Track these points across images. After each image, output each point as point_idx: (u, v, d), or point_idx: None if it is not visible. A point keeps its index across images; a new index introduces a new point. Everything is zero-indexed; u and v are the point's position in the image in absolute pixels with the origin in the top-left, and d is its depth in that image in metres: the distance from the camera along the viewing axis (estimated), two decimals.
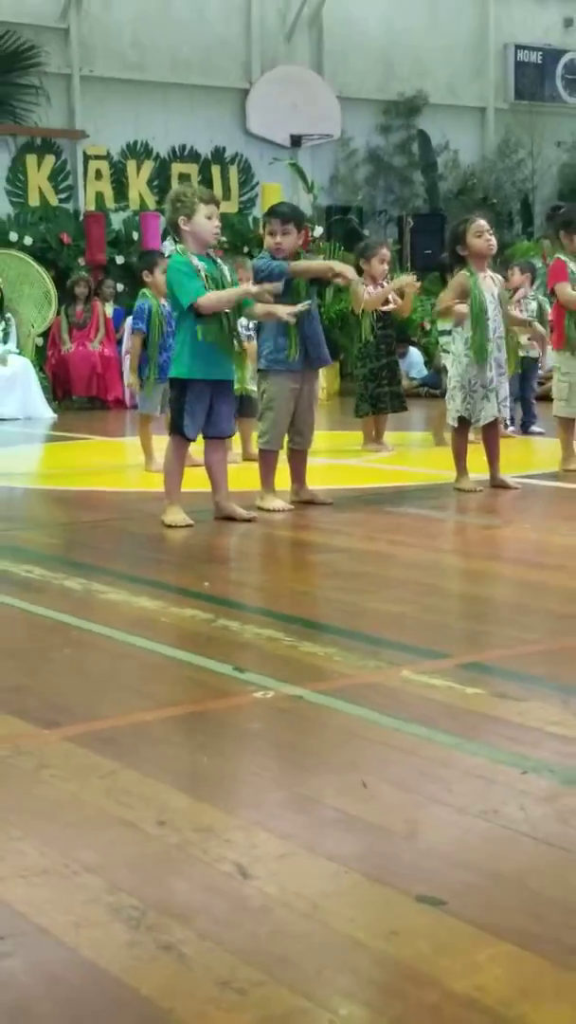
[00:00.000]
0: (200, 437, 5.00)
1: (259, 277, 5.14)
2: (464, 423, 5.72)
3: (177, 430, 4.88)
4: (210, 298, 4.72)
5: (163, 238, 13.09)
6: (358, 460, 7.28)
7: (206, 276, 4.77)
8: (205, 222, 4.80)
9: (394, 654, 3.00)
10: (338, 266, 5.46)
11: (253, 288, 4.88)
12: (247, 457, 7.25)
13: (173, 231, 5.02)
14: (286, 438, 5.37)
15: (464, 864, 1.84)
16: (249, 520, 4.92)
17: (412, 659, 2.94)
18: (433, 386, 11.02)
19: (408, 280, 7.62)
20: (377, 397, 7.60)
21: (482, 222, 5.69)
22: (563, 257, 6.30)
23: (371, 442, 7.68)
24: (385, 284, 7.65)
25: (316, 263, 5.68)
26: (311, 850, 1.89)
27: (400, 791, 2.12)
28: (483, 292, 5.59)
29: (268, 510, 5.18)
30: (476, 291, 5.57)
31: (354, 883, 1.78)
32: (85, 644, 3.19)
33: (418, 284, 7.73)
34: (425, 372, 12.57)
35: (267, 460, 5.33)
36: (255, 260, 5.48)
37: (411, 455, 7.88)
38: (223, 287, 4.81)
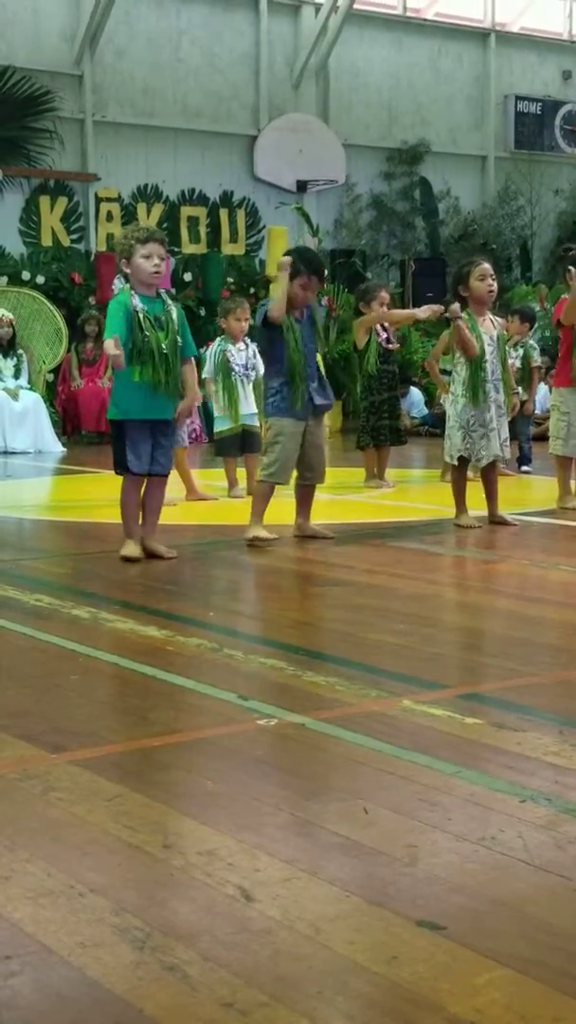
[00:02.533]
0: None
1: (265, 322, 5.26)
2: (463, 461, 5.78)
3: (123, 468, 4.93)
4: (108, 344, 4.72)
5: (172, 278, 13.26)
6: (360, 496, 7.33)
7: (144, 317, 4.78)
8: (142, 262, 4.83)
9: (395, 684, 3.03)
10: (422, 313, 5.68)
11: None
12: (252, 492, 7.33)
13: (119, 272, 5.12)
14: (295, 474, 5.45)
15: (463, 890, 1.86)
16: (172, 558, 4.94)
17: (412, 689, 2.97)
18: (433, 425, 11.10)
19: (435, 309, 7.73)
20: (377, 430, 7.69)
21: (486, 266, 5.78)
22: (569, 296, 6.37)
23: (373, 478, 7.75)
24: (387, 325, 7.76)
25: (400, 313, 5.82)
26: (313, 874, 1.91)
27: (400, 817, 2.15)
28: (481, 335, 5.66)
29: (252, 540, 5.22)
30: (473, 334, 5.64)
31: (355, 907, 1.80)
32: (92, 671, 3.22)
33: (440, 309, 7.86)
34: (425, 411, 12.66)
35: (263, 492, 5.36)
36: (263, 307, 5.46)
37: (412, 491, 7.94)
38: (165, 329, 4.81)
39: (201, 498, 7.03)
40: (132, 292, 4.86)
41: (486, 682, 3.08)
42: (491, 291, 5.74)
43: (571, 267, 6.42)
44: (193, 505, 6.72)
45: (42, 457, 10.52)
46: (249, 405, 7.32)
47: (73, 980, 1.60)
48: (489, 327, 5.76)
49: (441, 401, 8.32)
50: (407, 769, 2.40)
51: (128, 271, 4.89)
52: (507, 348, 8.15)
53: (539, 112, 16.92)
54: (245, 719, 2.75)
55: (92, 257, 13.43)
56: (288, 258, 5.32)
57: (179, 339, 4.90)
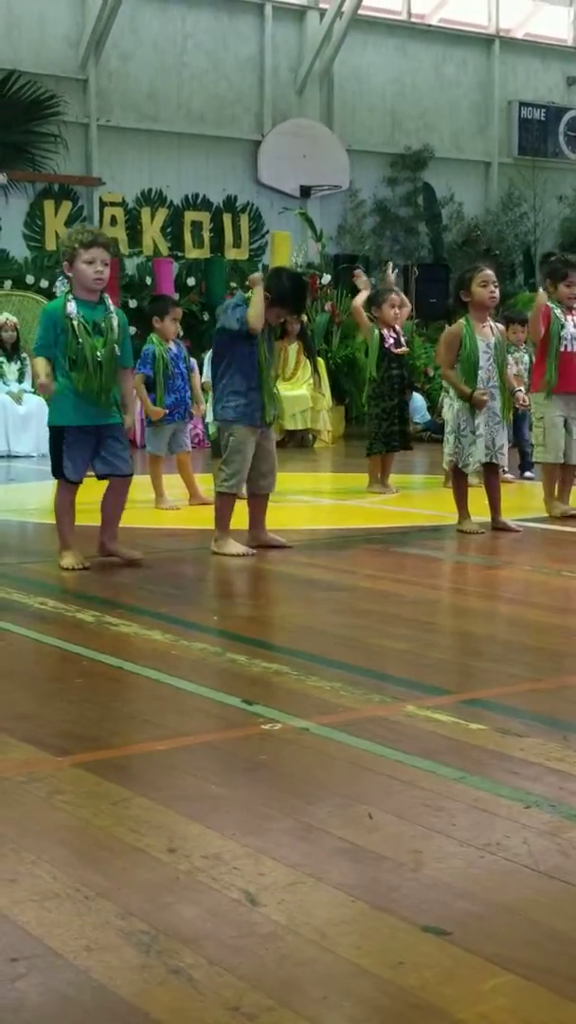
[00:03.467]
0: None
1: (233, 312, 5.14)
2: (456, 467, 5.79)
3: (58, 474, 4.85)
4: (34, 364, 4.72)
5: (176, 283, 13.28)
6: (363, 501, 7.34)
7: (79, 324, 4.68)
8: (84, 268, 4.70)
9: (399, 689, 3.03)
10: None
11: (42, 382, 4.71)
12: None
13: (63, 275, 5.05)
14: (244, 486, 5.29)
15: (468, 895, 1.86)
16: (137, 559, 4.88)
17: (416, 694, 2.98)
18: (435, 431, 11.11)
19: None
20: (389, 436, 7.71)
21: (489, 272, 5.76)
22: (551, 304, 6.36)
23: (376, 484, 7.76)
24: (398, 329, 7.78)
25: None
26: (318, 879, 1.91)
27: (405, 823, 2.15)
28: (476, 342, 5.65)
29: (227, 554, 5.09)
30: (468, 340, 5.63)
31: (360, 912, 1.81)
32: (97, 675, 3.23)
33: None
34: (428, 417, 12.66)
35: (226, 503, 5.21)
36: (230, 302, 5.36)
37: (414, 497, 7.94)
38: (104, 336, 4.71)
39: (204, 502, 7.03)
40: (70, 297, 4.75)
41: (490, 687, 3.08)
42: (492, 297, 5.73)
43: (547, 278, 6.43)
44: (196, 509, 6.72)
45: (45, 461, 10.48)
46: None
47: (79, 983, 1.61)
48: (488, 334, 5.75)
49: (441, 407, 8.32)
50: (411, 774, 2.40)
51: (71, 274, 4.78)
52: (516, 353, 8.22)
53: (543, 118, 16.95)
54: (249, 724, 2.75)
55: None
56: (258, 274, 5.26)
57: (117, 347, 4.77)
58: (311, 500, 7.55)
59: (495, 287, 5.72)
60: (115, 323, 4.79)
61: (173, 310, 7.08)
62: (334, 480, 8.00)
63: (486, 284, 5.69)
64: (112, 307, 4.85)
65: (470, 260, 15.77)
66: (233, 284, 13.87)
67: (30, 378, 11.48)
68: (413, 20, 15.96)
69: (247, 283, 5.34)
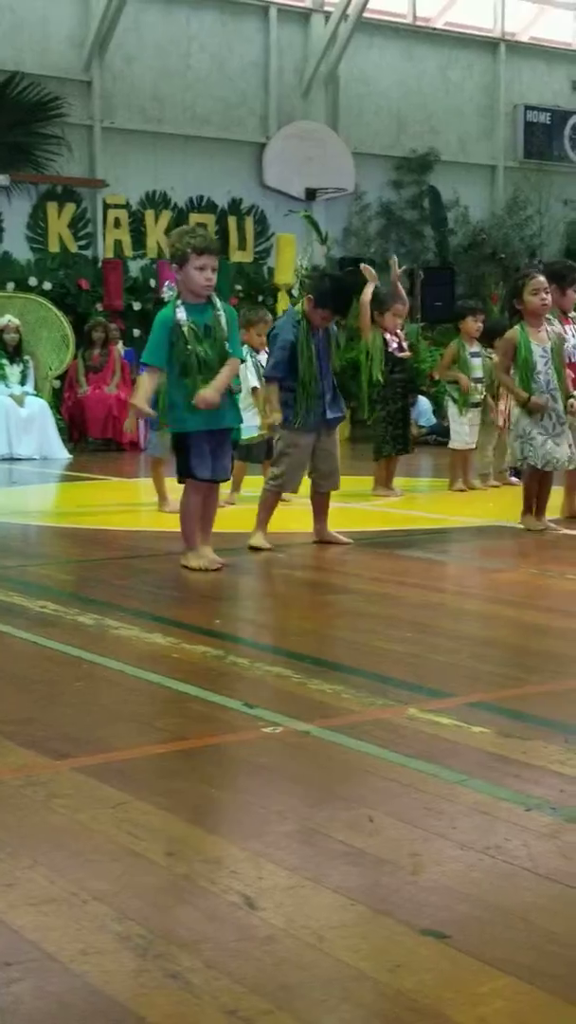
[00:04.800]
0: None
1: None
2: (532, 468, 5.83)
3: (188, 475, 4.85)
4: (140, 382, 4.76)
5: None
6: (367, 504, 7.33)
7: (189, 330, 4.66)
8: (195, 273, 4.67)
9: (401, 692, 3.02)
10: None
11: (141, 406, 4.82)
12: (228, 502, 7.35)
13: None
14: (308, 482, 5.52)
15: (468, 898, 1.85)
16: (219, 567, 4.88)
17: (418, 697, 2.97)
18: (440, 434, 11.11)
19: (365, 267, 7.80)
20: (396, 439, 7.74)
21: (540, 280, 5.84)
22: (548, 314, 6.36)
23: (381, 487, 7.76)
24: (400, 334, 7.79)
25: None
26: (317, 882, 1.90)
27: (405, 826, 2.14)
28: (532, 347, 5.75)
29: (255, 547, 5.27)
30: (524, 347, 5.73)
31: (359, 915, 1.80)
32: (97, 678, 3.22)
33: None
34: (433, 420, 12.67)
35: (269, 501, 5.41)
36: (280, 324, 5.50)
37: (419, 500, 7.94)
38: (213, 337, 4.70)
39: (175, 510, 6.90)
40: (179, 303, 4.73)
41: (492, 691, 3.07)
42: (544, 304, 5.82)
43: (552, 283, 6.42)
44: None
45: (48, 464, 10.54)
46: (249, 416, 7.35)
47: (75, 987, 1.60)
48: (543, 338, 5.82)
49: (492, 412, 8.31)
50: (412, 777, 2.39)
51: (179, 277, 4.76)
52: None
53: (548, 122, 16.95)
54: (250, 727, 2.75)
55: (99, 264, 13.47)
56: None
57: (227, 344, 4.76)
58: (302, 502, 7.53)
59: (546, 294, 5.82)
60: (223, 321, 4.77)
61: None
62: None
63: (537, 292, 5.79)
64: (220, 305, 4.81)
65: (476, 264, 15.83)
66: (238, 287, 13.89)
67: (32, 381, 11.50)
68: (418, 23, 15.98)
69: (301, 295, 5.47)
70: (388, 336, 7.66)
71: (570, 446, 5.84)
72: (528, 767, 2.45)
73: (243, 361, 5.32)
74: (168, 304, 4.86)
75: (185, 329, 4.67)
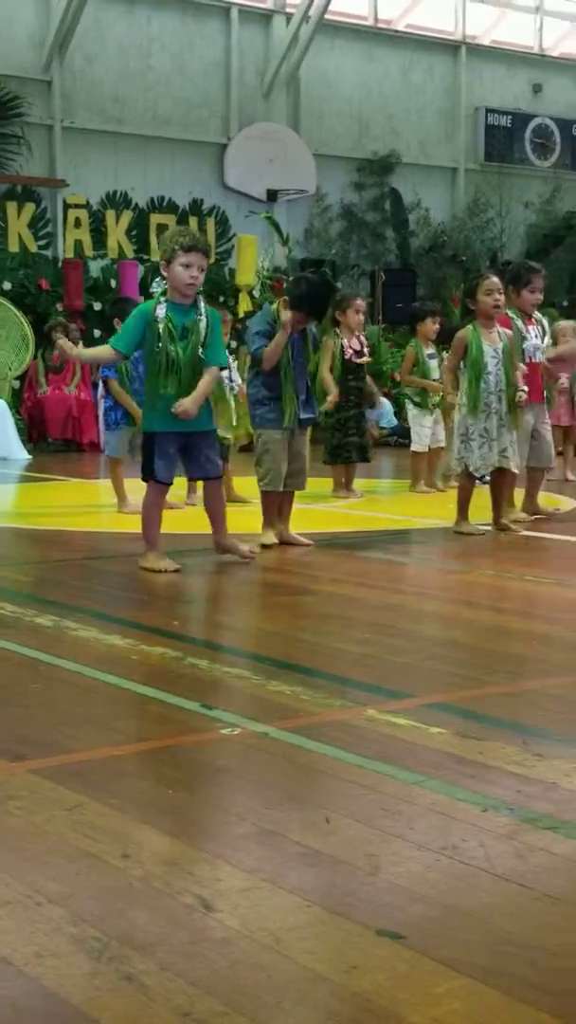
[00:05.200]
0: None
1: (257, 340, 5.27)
2: (467, 470, 5.86)
3: (149, 475, 4.86)
4: (98, 348, 4.65)
5: (140, 286, 13.24)
6: (327, 506, 7.34)
7: (165, 328, 4.66)
8: (180, 270, 4.70)
9: (359, 693, 3.03)
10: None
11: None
12: (231, 499, 7.35)
13: (160, 274, 5.06)
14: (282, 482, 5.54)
15: (424, 899, 1.86)
16: (251, 557, 5.03)
17: (377, 699, 2.97)
18: (402, 436, 11.15)
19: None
20: (343, 447, 7.71)
21: (494, 280, 5.90)
22: (511, 313, 6.40)
23: (340, 488, 7.78)
24: (361, 338, 7.81)
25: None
26: (274, 884, 1.90)
27: (362, 827, 2.15)
28: (484, 347, 5.77)
29: (264, 545, 5.37)
30: (475, 347, 5.75)
31: (316, 917, 1.80)
32: (54, 679, 3.20)
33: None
34: (395, 422, 12.70)
35: (269, 500, 5.53)
36: (256, 319, 5.50)
37: (380, 502, 7.96)
38: (187, 339, 4.69)
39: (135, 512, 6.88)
40: (162, 300, 4.74)
41: (450, 692, 3.08)
42: (497, 305, 5.85)
43: (510, 284, 6.46)
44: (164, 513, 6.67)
45: (7, 464, 10.46)
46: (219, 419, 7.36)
47: (29, 990, 1.59)
48: (495, 339, 5.85)
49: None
50: (370, 778, 2.39)
51: (165, 274, 4.79)
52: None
53: (509, 125, 17.08)
54: (209, 728, 2.74)
55: (59, 263, 13.38)
56: (288, 314, 5.27)
57: (201, 350, 4.73)
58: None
59: (500, 294, 5.86)
60: (202, 326, 4.75)
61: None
62: None
63: (490, 292, 5.82)
64: (204, 308, 4.81)
65: (437, 266, 15.90)
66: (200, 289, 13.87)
67: None
68: (380, 25, 16.04)
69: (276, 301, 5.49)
70: (347, 341, 7.66)
71: (503, 450, 5.83)
72: (486, 768, 2.46)
73: (223, 368, 5.29)
74: (153, 298, 4.86)
75: (160, 326, 4.68)
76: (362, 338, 7.88)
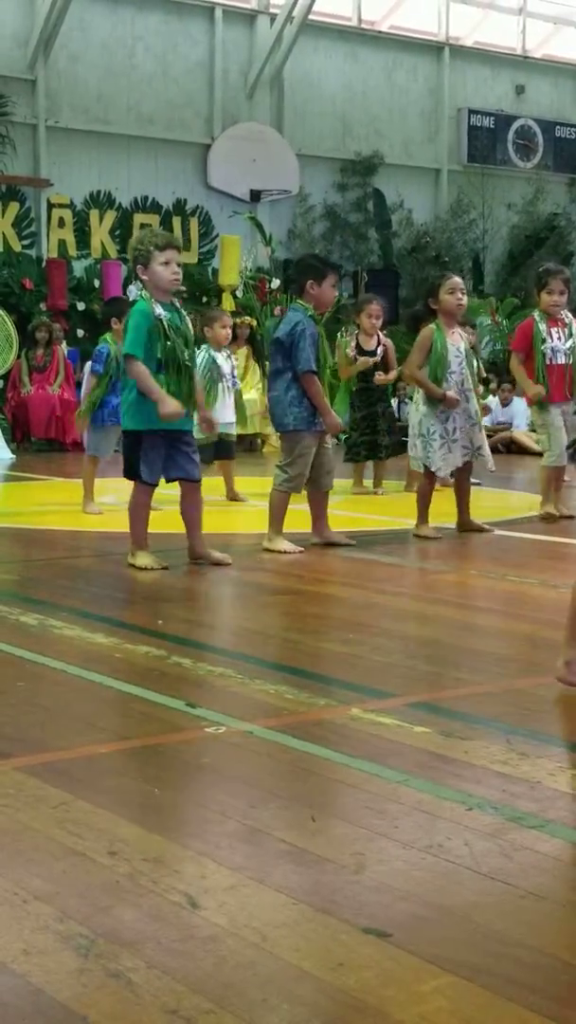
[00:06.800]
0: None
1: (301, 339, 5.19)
2: (429, 471, 5.83)
3: (135, 476, 4.86)
4: (138, 371, 4.63)
5: (124, 286, 13.22)
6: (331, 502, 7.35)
7: (167, 326, 4.71)
8: (161, 269, 4.71)
9: (343, 693, 3.04)
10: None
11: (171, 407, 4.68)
12: (231, 497, 7.35)
13: (136, 279, 5.06)
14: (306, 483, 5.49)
15: (409, 897, 1.86)
16: (227, 564, 4.93)
17: (361, 698, 2.98)
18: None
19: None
20: (361, 445, 7.82)
21: (457, 280, 5.88)
22: (536, 315, 6.42)
23: (358, 485, 7.96)
24: (381, 336, 7.87)
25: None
26: (260, 882, 1.91)
27: (347, 825, 2.15)
28: (447, 346, 5.75)
29: (277, 551, 5.26)
30: (439, 344, 5.72)
31: (302, 914, 1.80)
32: (39, 678, 3.20)
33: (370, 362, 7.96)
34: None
35: (282, 502, 5.40)
36: (301, 320, 5.31)
37: (371, 502, 7.97)
38: (184, 338, 4.77)
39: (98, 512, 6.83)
40: (153, 300, 4.73)
41: (434, 691, 3.10)
42: (460, 305, 5.83)
43: (534, 288, 6.46)
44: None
45: None
46: (228, 414, 7.36)
47: (16, 988, 1.59)
48: (457, 339, 5.85)
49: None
50: (355, 777, 2.40)
51: (145, 278, 4.77)
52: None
53: (492, 126, 17.13)
54: (193, 727, 2.74)
55: (43, 263, 13.35)
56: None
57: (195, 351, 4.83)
58: (259, 504, 7.54)
59: (463, 294, 5.84)
60: (190, 324, 4.83)
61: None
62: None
63: (453, 291, 5.79)
64: (182, 309, 4.87)
65: (420, 266, 15.94)
66: (182, 288, 13.85)
67: None
68: (364, 26, 16.06)
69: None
70: (361, 338, 7.76)
71: (479, 448, 5.80)
72: (470, 767, 2.47)
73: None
74: (140, 300, 4.84)
75: (165, 324, 4.70)
76: (384, 340, 7.94)
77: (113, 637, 3.64)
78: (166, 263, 4.72)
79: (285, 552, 5.25)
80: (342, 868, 1.96)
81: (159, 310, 4.72)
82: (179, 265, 4.79)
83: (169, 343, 4.70)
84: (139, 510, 4.90)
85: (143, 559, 4.83)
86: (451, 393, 5.71)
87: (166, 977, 1.61)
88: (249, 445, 11.71)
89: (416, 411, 5.88)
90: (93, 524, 6.47)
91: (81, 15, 13.68)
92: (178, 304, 4.90)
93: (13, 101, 13.25)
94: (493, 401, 12.56)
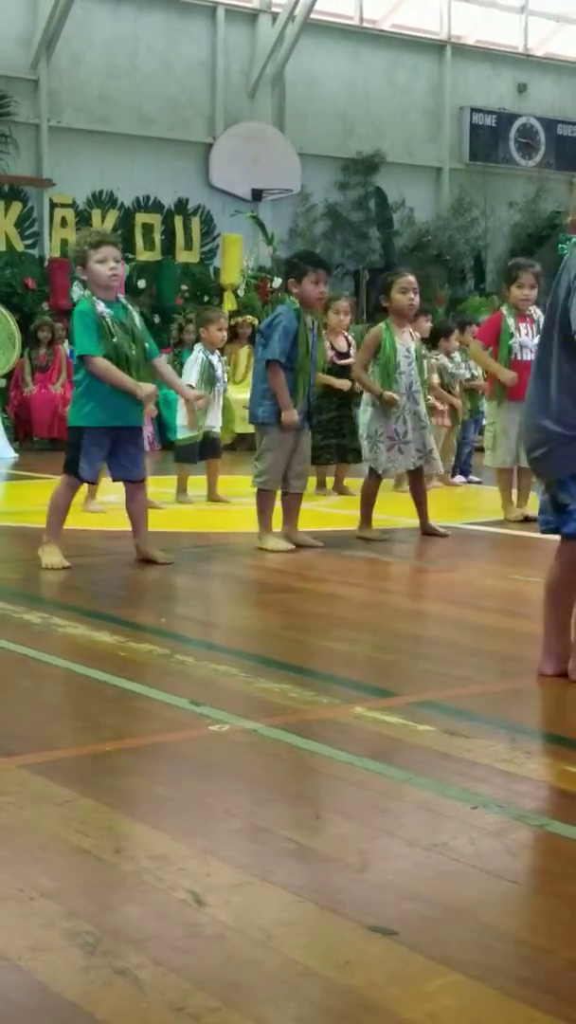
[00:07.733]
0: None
1: (279, 338, 5.18)
2: (373, 472, 5.73)
3: (72, 472, 4.84)
4: (100, 367, 4.64)
5: (127, 285, 13.22)
6: (312, 504, 7.34)
7: (111, 323, 4.71)
8: (97, 267, 4.73)
9: (347, 691, 3.04)
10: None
11: (146, 390, 4.72)
12: (212, 498, 7.33)
13: (77, 280, 5.08)
14: (280, 483, 5.42)
15: (415, 896, 1.86)
16: (167, 563, 4.86)
17: (365, 696, 2.98)
18: None
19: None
20: (322, 448, 7.68)
21: (410, 278, 5.71)
22: (504, 310, 6.36)
23: (321, 488, 7.82)
24: (347, 336, 7.77)
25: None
26: (264, 880, 1.91)
27: (352, 823, 2.15)
28: (397, 346, 5.62)
29: (269, 550, 5.22)
30: (388, 344, 5.60)
31: (307, 913, 1.81)
32: (44, 676, 3.20)
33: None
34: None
35: (264, 499, 5.37)
36: (282, 311, 5.33)
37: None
38: (131, 334, 4.76)
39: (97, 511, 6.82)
40: (95, 299, 4.76)
41: (438, 690, 3.10)
42: (412, 304, 5.68)
43: (503, 282, 6.42)
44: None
45: None
46: (217, 415, 7.35)
47: (23, 985, 1.59)
48: (408, 339, 5.73)
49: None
50: (359, 775, 2.40)
51: (85, 277, 4.82)
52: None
53: (494, 124, 17.11)
54: (197, 725, 2.74)
55: (46, 263, 13.35)
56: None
57: (145, 343, 4.83)
58: (245, 502, 7.53)
59: (415, 293, 5.68)
60: (137, 319, 4.84)
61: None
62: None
63: (406, 291, 5.64)
64: (129, 304, 4.90)
65: (421, 265, 15.90)
66: (184, 287, 13.85)
67: None
68: (365, 25, 16.04)
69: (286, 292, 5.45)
70: (330, 341, 7.58)
71: (429, 451, 5.71)
72: (474, 765, 2.47)
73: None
74: (83, 299, 4.85)
75: (108, 322, 4.71)
76: (349, 338, 7.86)
77: (117, 635, 3.64)
78: (102, 260, 4.74)
79: (276, 551, 5.20)
80: (347, 866, 1.97)
81: (101, 307, 4.74)
82: (117, 261, 4.81)
83: (115, 339, 4.70)
84: (60, 502, 4.88)
85: (49, 556, 4.79)
86: (390, 393, 5.57)
87: (172, 974, 1.61)
88: (250, 444, 11.68)
89: (364, 411, 5.80)
90: (96, 523, 6.46)
91: (83, 15, 13.68)
92: (123, 299, 4.90)
93: (16, 101, 13.24)
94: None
